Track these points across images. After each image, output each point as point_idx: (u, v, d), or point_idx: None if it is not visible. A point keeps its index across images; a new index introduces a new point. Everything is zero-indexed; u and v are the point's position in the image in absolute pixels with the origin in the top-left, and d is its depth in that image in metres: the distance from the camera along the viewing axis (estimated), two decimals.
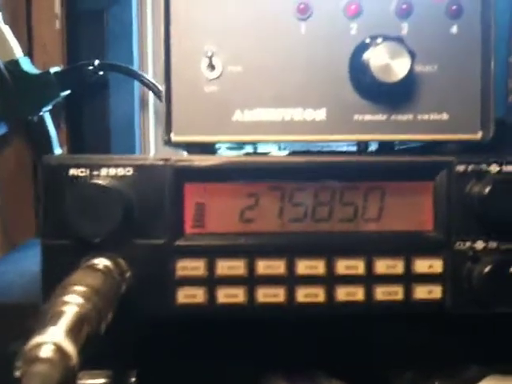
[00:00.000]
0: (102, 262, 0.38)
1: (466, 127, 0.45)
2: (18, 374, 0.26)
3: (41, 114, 0.70)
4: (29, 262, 0.42)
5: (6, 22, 0.70)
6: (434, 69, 0.45)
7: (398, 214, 0.43)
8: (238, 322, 0.44)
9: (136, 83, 0.76)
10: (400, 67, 0.42)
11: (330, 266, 0.42)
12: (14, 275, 0.55)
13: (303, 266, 0.42)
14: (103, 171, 0.41)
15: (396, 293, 0.42)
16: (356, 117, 0.45)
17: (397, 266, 0.42)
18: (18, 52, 0.69)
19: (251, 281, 0.42)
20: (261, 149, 0.54)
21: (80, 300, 0.32)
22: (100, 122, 0.77)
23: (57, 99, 0.71)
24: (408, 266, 0.42)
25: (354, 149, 0.51)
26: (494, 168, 0.42)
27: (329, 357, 0.46)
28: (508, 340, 0.46)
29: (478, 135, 0.45)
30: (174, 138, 0.44)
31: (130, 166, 0.41)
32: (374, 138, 0.46)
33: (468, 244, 0.42)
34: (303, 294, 0.42)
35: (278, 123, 0.45)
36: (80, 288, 0.33)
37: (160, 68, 0.44)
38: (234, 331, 0.46)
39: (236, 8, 0.44)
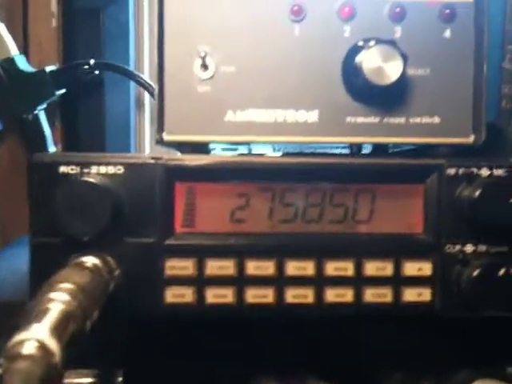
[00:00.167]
0: (90, 260, 0.38)
1: (457, 131, 0.45)
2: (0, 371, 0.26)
3: (35, 112, 0.70)
4: (22, 259, 0.42)
5: (1, 20, 0.69)
6: (427, 72, 0.45)
7: (388, 217, 0.43)
8: (228, 322, 0.44)
9: (132, 82, 0.76)
10: (392, 70, 0.42)
11: (319, 268, 0.42)
12: (7, 273, 0.55)
13: (293, 267, 0.42)
14: (93, 169, 0.41)
15: (385, 295, 0.42)
16: (348, 119, 0.45)
17: (386, 268, 0.42)
18: (13, 50, 0.69)
19: (240, 281, 0.42)
20: (255, 150, 0.54)
21: (66, 297, 0.32)
22: (95, 121, 0.77)
23: (52, 98, 0.71)
24: (397, 268, 0.42)
25: (348, 151, 0.51)
26: (485, 172, 0.42)
27: (318, 358, 0.46)
28: (497, 343, 0.46)
29: (470, 139, 0.45)
30: (166, 137, 0.44)
31: (120, 164, 0.41)
32: (366, 141, 0.46)
33: (458, 247, 0.42)
34: (292, 295, 0.42)
35: (271, 124, 0.44)
36: (66, 285, 0.33)
37: (154, 67, 0.44)
38: (224, 331, 0.46)
39: (230, 9, 0.44)
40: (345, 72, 0.44)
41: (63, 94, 0.72)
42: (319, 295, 0.42)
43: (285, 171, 0.43)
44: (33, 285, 0.40)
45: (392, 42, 0.43)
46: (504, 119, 0.53)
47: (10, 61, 0.68)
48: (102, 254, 0.39)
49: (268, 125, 0.44)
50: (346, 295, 0.42)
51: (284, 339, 0.46)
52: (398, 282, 0.42)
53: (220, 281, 0.41)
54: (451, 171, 0.42)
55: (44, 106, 0.71)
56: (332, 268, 0.42)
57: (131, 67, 0.77)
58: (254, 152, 0.54)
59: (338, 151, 0.52)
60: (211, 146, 0.48)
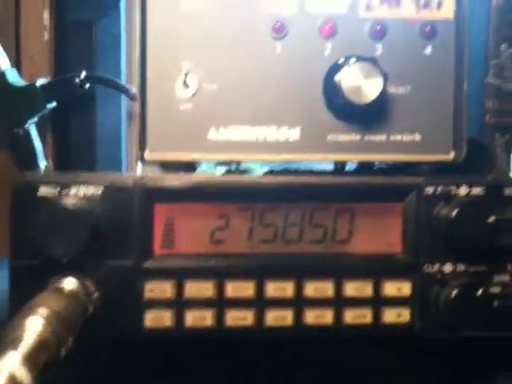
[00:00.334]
0: (69, 284, 0.38)
1: (438, 147, 0.45)
2: None
3: (26, 126, 0.70)
4: (3, 280, 0.42)
5: None
6: (407, 90, 0.45)
7: (367, 236, 0.43)
8: (211, 343, 0.44)
9: (123, 95, 0.76)
10: (372, 89, 0.42)
11: (299, 288, 0.42)
12: None
13: (272, 288, 0.42)
14: (73, 190, 0.41)
15: (365, 316, 0.42)
16: (330, 137, 0.45)
17: (366, 289, 0.42)
18: (4, 64, 0.69)
19: (220, 303, 0.41)
20: (243, 166, 0.54)
21: (41, 324, 0.32)
22: (86, 135, 0.77)
23: (43, 111, 0.71)
24: (377, 288, 0.42)
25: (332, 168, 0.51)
26: (463, 190, 0.42)
27: (302, 377, 0.45)
28: (476, 363, 0.46)
29: (451, 155, 0.45)
30: (148, 155, 0.44)
31: (99, 184, 0.41)
32: (347, 158, 0.46)
33: (436, 267, 0.42)
34: (272, 317, 0.42)
35: (253, 142, 0.45)
36: (43, 311, 0.33)
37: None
38: (207, 352, 0.45)
39: (213, 26, 0.44)
40: (326, 90, 0.44)
41: (54, 108, 0.72)
42: (298, 317, 0.42)
43: (264, 191, 0.43)
44: (12, 307, 0.39)
45: (373, 60, 0.43)
46: (487, 134, 0.53)
47: (1, 75, 0.68)
48: (81, 277, 0.39)
49: (250, 143, 0.45)
50: (326, 316, 0.42)
51: (268, 359, 0.46)
52: (377, 302, 0.42)
53: (199, 303, 0.41)
54: (429, 190, 0.42)
55: (35, 119, 0.71)
56: (312, 289, 0.42)
57: (123, 80, 0.77)
58: (242, 167, 0.54)
59: (322, 167, 0.52)
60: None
